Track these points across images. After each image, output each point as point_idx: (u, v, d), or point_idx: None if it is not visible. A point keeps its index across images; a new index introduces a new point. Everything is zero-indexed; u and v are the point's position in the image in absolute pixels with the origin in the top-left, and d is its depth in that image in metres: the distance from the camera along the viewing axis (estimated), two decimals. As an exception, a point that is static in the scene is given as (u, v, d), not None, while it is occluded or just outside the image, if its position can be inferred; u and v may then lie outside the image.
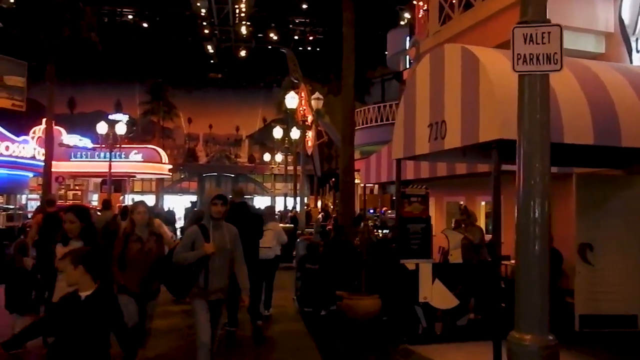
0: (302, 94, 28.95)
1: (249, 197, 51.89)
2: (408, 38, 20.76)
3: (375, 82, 34.30)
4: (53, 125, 33.97)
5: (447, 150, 6.05)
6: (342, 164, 10.84)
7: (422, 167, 10.13)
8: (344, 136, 10.76)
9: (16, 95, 36.25)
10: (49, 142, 18.34)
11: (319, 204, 41.82)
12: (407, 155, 6.90)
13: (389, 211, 24.52)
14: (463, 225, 8.81)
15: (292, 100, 19.34)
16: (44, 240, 6.94)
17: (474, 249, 8.45)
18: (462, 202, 13.15)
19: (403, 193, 7.26)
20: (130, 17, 43.11)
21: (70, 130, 36.45)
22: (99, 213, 11.36)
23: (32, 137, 28.51)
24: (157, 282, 5.47)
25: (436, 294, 7.47)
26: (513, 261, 9.10)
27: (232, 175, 51.77)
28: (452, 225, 10.46)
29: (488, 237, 9.54)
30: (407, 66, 20.31)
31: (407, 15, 26.84)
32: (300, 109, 29.22)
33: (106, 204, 10.59)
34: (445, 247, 10.15)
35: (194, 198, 39.13)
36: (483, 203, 12.39)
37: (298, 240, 11.26)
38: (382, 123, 25.19)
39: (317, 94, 18.16)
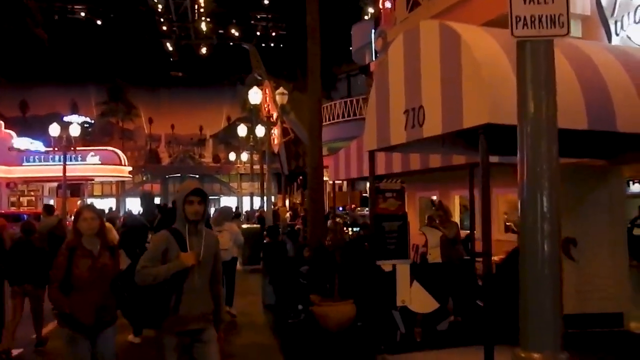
0: (267, 91, 28.15)
1: (215, 197, 50.83)
2: (373, 31, 20.21)
3: (341, 77, 33.77)
4: (2, 127, 32.45)
5: (425, 139, 5.46)
6: (310, 160, 10.18)
7: (394, 161, 9.60)
8: (312, 129, 10.10)
9: (-36, 99, 34.57)
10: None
11: (287, 202, 41.15)
12: (381, 146, 6.29)
13: (358, 208, 24.02)
14: (437, 221, 8.28)
15: (255, 95, 18.60)
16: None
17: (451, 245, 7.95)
18: (434, 197, 12.70)
19: (377, 188, 6.66)
20: (82, 14, 41.29)
21: (23, 134, 34.86)
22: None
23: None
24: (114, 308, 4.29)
25: (415, 297, 6.91)
26: (494, 257, 8.66)
27: (197, 176, 50.56)
28: (425, 221, 9.99)
29: (463, 233, 9.10)
30: (373, 59, 19.75)
31: (370, 10, 26.38)
32: (265, 105, 28.47)
33: (48, 209, 9.99)
34: (421, 245, 9.63)
35: (157, 201, 37.79)
36: (457, 197, 11.95)
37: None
38: (349, 118, 24.64)
39: (281, 89, 17.48)
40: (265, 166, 31.60)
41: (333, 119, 26.30)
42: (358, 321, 7.24)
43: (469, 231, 8.61)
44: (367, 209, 23.00)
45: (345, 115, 25.43)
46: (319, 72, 10.21)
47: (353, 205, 23.48)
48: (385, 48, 13.54)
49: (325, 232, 10.08)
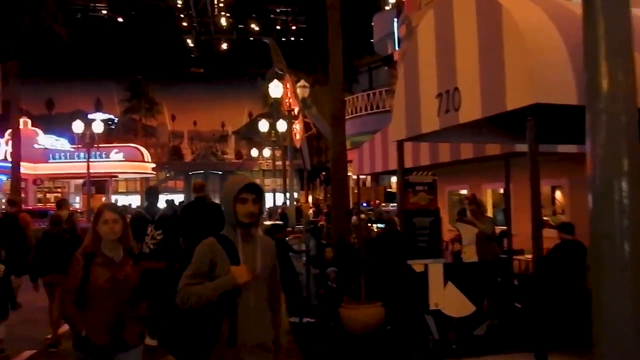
0: (287, 85, 27.67)
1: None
2: (395, 19, 19.60)
3: (362, 70, 33.11)
4: (28, 124, 32.73)
5: (459, 126, 4.90)
6: (333, 153, 9.68)
7: (422, 153, 9.02)
8: (334, 120, 9.58)
9: (-11, 97, 34.94)
10: (15, 141, 16.99)
11: (310, 199, 40.71)
12: (410, 135, 5.73)
13: (383, 204, 23.41)
14: (470, 216, 7.70)
15: (275, 89, 18.16)
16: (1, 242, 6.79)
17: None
18: (463, 191, 12.09)
19: (407, 181, 6.12)
20: (104, 12, 41.42)
21: (49, 131, 35.18)
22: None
23: (8, 140, 27.09)
24: (139, 326, 3.58)
25: (449, 300, 6.36)
26: (529, 256, 8.03)
27: (220, 173, 50.49)
28: (456, 217, 9.41)
29: (497, 229, 8.49)
30: (396, 48, 19.15)
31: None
32: (286, 100, 28.01)
33: (60, 203, 9.55)
34: (450, 241, 9.05)
35: (181, 198, 37.79)
36: (489, 191, 11.30)
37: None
38: (372, 111, 24.04)
39: (302, 82, 17.01)
40: (287, 162, 31.25)
41: (355, 112, 25.73)
42: (387, 325, 6.74)
43: (504, 227, 8.02)
44: (392, 204, 22.45)
45: (368, 108, 24.84)
46: (340, 57, 9.67)
47: (377, 201, 22.88)
48: (409, 35, 12.95)
49: (349, 229, 9.58)
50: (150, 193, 7.38)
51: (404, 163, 8.89)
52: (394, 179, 24.38)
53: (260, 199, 2.90)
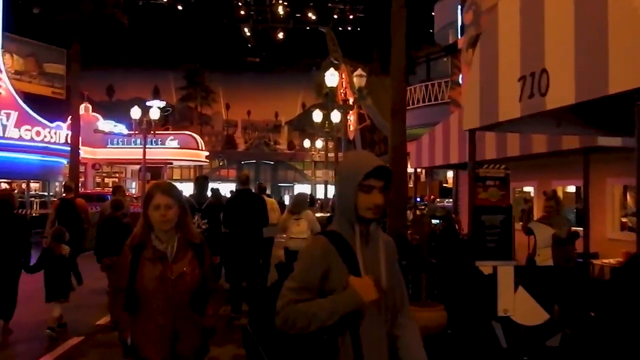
0: (343, 75, 27.20)
1: (289, 185, 50.81)
2: (460, 7, 18.74)
3: (420, 61, 32.17)
4: (89, 110, 33.78)
5: (546, 113, 4.34)
6: (392, 143, 9.17)
7: (486, 145, 8.43)
8: (395, 110, 9.06)
9: (56, 83, 36.16)
10: (75, 126, 17.33)
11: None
12: (485, 123, 5.19)
13: (438, 199, 22.63)
14: (546, 215, 7.03)
15: (331, 78, 17.73)
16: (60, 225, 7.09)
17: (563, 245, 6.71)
18: (528, 189, 11.34)
19: (476, 175, 5.57)
20: (164, 0, 42.15)
21: (108, 117, 36.19)
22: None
23: (69, 124, 28.03)
24: (197, 338, 2.93)
25: (520, 306, 5.81)
26: (606, 260, 7.30)
27: (272, 163, 50.69)
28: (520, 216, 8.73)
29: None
30: (459, 36, 18.33)
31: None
32: (341, 91, 27.58)
33: (116, 189, 9.85)
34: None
35: (232, 187, 38.17)
36: (560, 189, 10.50)
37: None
38: (430, 103, 23.23)
39: (359, 71, 16.51)
40: (340, 153, 30.83)
41: (412, 104, 24.96)
42: (448, 329, 6.23)
43: (579, 228, 7.33)
44: (447, 200, 21.65)
45: (425, 100, 24.04)
46: (403, 42, 9.13)
47: (432, 196, 22.13)
48: (476, 21, 12.23)
49: (405, 225, 9.08)
50: (200, 181, 7.32)
51: (462, 158, 8.30)
52: (449, 174, 23.52)
53: (388, 186, 2.11)
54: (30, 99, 28.36)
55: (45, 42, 34.22)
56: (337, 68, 24.76)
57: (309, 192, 39.68)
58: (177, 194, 2.92)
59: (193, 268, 2.86)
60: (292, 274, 2.06)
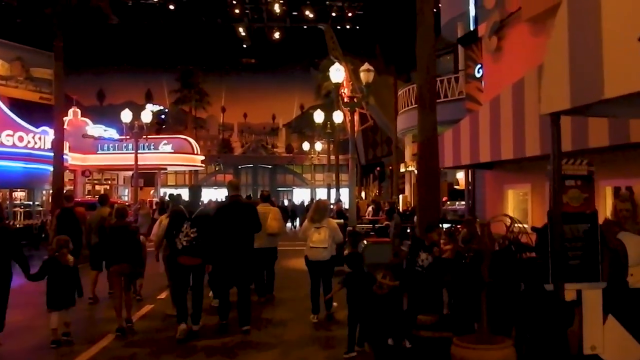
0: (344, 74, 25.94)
1: (288, 189, 49.49)
2: (472, -4, 17.56)
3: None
4: (78, 114, 32.39)
5: None
6: (421, 137, 7.88)
7: (527, 138, 7.18)
8: (423, 98, 7.77)
9: (44, 88, 34.67)
10: (58, 128, 15.95)
11: (363, 195, 38.88)
12: (579, 103, 3.86)
13: (448, 202, 21.32)
14: (619, 220, 5.68)
15: (337, 73, 16.34)
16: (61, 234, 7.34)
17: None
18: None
19: (561, 174, 4.27)
20: (155, -1, 40.79)
21: (99, 122, 34.76)
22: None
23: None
24: None
25: (611, 341, 4.52)
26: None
27: (270, 167, 49.41)
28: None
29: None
30: (472, 27, 17.07)
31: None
32: (342, 90, 26.27)
33: (103, 199, 10.00)
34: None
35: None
36: (609, 189, 9.19)
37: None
38: (439, 100, 21.87)
39: (366, 65, 15.12)
40: (342, 156, 29.51)
41: (416, 102, 23.70)
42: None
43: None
44: (458, 203, 20.34)
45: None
46: (432, 14, 7.85)
47: (444, 199, 20.84)
48: (500, 4, 10.91)
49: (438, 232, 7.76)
50: (193, 190, 7.53)
51: (528, 150, 6.95)
52: (460, 175, 22.19)
53: None
54: (17, 104, 27.11)
55: (32, 45, 32.85)
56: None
57: (308, 197, 38.49)
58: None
59: None
60: None
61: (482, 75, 14.82)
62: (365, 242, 12.29)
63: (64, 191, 15.06)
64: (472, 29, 16.82)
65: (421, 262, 6.34)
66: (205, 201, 18.29)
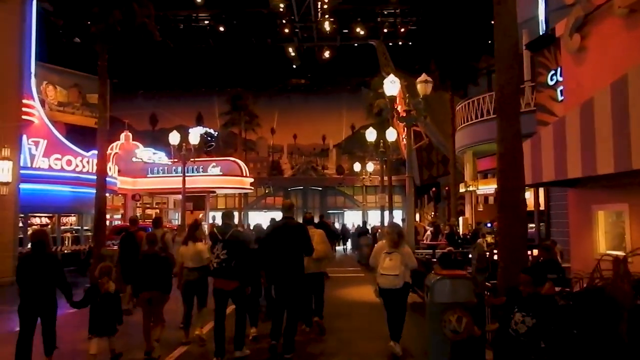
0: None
1: (339, 211, 48.27)
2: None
3: (481, 73, 29.39)
4: (129, 139, 32.56)
5: None
6: (501, 149, 6.48)
7: (634, 148, 5.71)
8: (503, 104, 6.40)
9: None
10: (101, 149, 15.44)
11: (417, 217, 37.11)
12: None
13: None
14: None
15: (391, 86, 15.16)
16: (124, 258, 8.52)
17: None
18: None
19: None
20: (206, 22, 40.94)
21: (152, 147, 34.78)
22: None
23: (110, 154, 26.55)
24: None
25: None
26: None
27: (320, 189, 48.45)
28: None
29: None
30: (541, 31, 15.58)
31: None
32: (396, 107, 25.03)
33: (157, 222, 10.49)
34: None
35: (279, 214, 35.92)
36: None
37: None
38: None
39: (424, 76, 13.88)
40: (394, 177, 28.09)
41: (477, 117, 22.10)
42: None
43: None
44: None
45: (491, 112, 21.15)
46: (514, 16, 6.53)
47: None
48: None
49: (524, 265, 6.30)
50: (227, 215, 7.69)
51: (600, 167, 5.55)
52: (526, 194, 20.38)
53: None
54: (73, 130, 27.44)
55: (88, 72, 33.59)
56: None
57: (360, 219, 37.09)
58: None
59: None
60: None
61: (556, 82, 13.29)
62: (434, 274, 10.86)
63: (130, 215, 15.42)
64: (541, 33, 15.36)
65: (514, 325, 4.75)
66: (252, 225, 17.54)
